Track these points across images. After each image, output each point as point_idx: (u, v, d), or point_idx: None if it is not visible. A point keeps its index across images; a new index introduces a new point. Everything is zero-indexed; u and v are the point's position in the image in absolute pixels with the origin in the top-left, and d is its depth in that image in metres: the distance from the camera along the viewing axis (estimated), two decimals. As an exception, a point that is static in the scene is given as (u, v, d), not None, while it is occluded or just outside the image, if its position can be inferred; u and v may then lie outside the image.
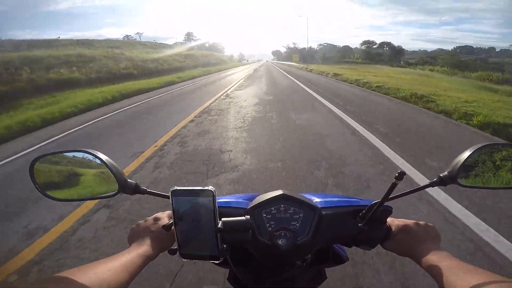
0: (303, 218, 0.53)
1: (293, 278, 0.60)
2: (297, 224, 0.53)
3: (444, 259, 0.42)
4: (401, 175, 0.46)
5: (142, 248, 0.46)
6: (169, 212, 0.55)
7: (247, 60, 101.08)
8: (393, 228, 0.54)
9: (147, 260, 0.45)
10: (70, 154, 0.52)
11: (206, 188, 0.43)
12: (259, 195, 0.58)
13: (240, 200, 0.60)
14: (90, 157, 0.49)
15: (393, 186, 0.48)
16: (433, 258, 0.43)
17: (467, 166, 0.48)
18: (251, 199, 0.58)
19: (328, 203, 0.57)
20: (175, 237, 0.45)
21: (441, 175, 0.49)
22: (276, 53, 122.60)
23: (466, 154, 0.48)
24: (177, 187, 0.44)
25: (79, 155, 0.51)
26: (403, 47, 66.17)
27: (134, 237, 0.50)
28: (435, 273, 0.41)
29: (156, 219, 0.52)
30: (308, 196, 0.58)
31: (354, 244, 0.58)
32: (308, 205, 0.54)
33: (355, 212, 0.56)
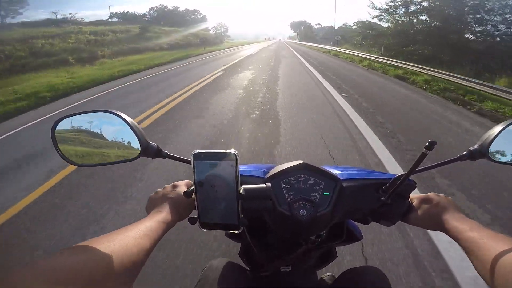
0: (324, 189, 0.55)
1: (305, 254, 0.63)
2: (317, 195, 0.55)
3: (473, 228, 0.44)
4: (432, 144, 0.47)
5: (161, 215, 0.48)
6: (187, 181, 0.59)
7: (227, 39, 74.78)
8: (415, 202, 0.57)
9: (167, 227, 0.47)
10: (93, 115, 0.54)
11: (228, 151, 0.45)
12: (276, 166, 0.61)
13: (257, 169, 0.63)
14: (114, 117, 0.52)
15: (422, 156, 0.49)
16: (462, 227, 0.46)
17: (497, 141, 0.50)
18: (268, 169, 0.62)
19: (350, 175, 0.60)
20: (195, 204, 0.48)
21: (471, 149, 0.52)
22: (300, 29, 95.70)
23: (497, 128, 0.50)
24: (199, 150, 0.46)
25: (102, 115, 0.53)
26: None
27: (152, 205, 0.53)
28: (464, 242, 0.43)
29: (175, 187, 0.56)
30: (328, 167, 0.61)
31: (374, 219, 0.60)
32: (329, 176, 0.57)
33: (377, 185, 0.58)
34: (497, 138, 0.49)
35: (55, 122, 0.52)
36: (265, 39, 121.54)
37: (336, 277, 0.76)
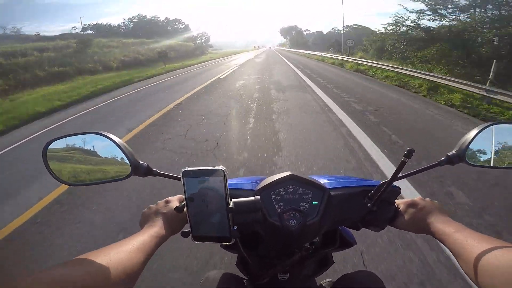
0: (312, 199, 0.57)
1: (301, 262, 0.64)
2: (306, 205, 0.57)
3: (457, 229, 0.46)
4: (410, 152, 0.50)
5: (154, 230, 0.50)
6: (179, 196, 0.60)
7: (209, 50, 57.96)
8: (401, 207, 0.60)
9: (160, 241, 0.49)
10: (82, 137, 0.56)
11: (217, 168, 0.47)
12: (265, 178, 0.64)
13: (247, 182, 0.65)
14: (103, 138, 0.54)
15: (402, 164, 0.52)
16: (448, 229, 0.48)
17: (473, 145, 0.53)
18: (258, 181, 0.64)
19: (337, 184, 0.62)
20: (187, 219, 0.49)
21: (449, 154, 0.55)
22: (292, 34, 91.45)
23: (472, 133, 0.54)
24: (188, 168, 0.48)
25: (92, 136, 0.55)
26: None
27: (146, 220, 0.55)
28: (450, 243, 0.45)
29: (167, 202, 0.58)
30: (316, 177, 0.63)
31: (363, 226, 0.62)
32: (316, 185, 0.59)
33: (363, 192, 0.61)
34: (472, 142, 0.52)
35: (46, 144, 0.54)
36: (254, 47, 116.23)
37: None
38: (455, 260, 0.44)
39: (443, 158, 0.54)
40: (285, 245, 0.59)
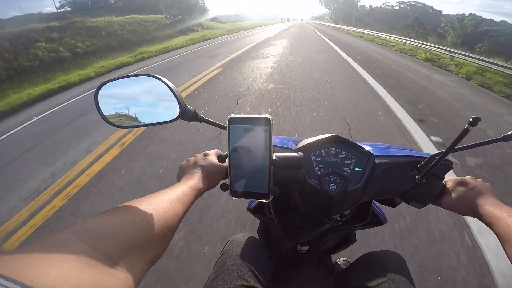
0: (355, 165, 0.56)
1: (324, 235, 0.64)
2: (349, 170, 0.56)
3: (509, 214, 0.45)
4: (476, 121, 0.46)
5: (193, 182, 0.51)
6: (216, 150, 0.62)
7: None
8: (449, 184, 0.57)
9: (198, 193, 0.50)
10: (135, 79, 0.58)
11: (263, 116, 0.47)
12: (302, 139, 0.63)
13: (286, 141, 0.65)
14: (154, 81, 0.56)
15: (464, 133, 0.47)
16: (499, 212, 0.46)
17: None
18: (295, 142, 0.63)
19: (383, 151, 0.60)
20: (228, 171, 0.50)
21: None
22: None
23: None
24: (234, 115, 0.48)
25: (144, 79, 0.57)
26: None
27: (183, 173, 0.56)
28: (500, 227, 0.43)
29: (206, 155, 0.59)
30: (361, 144, 0.61)
31: (404, 200, 0.60)
32: (362, 150, 0.58)
33: (412, 163, 0.58)
34: None
35: (99, 86, 0.57)
36: (282, 19, 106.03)
37: (351, 262, 0.78)
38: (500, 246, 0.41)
39: (509, 133, 0.51)
40: (318, 212, 0.59)
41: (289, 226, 0.67)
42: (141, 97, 0.59)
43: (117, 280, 0.27)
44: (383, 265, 0.64)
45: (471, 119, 0.46)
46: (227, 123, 0.48)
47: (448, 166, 0.56)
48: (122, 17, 21.31)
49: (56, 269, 0.23)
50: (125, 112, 0.59)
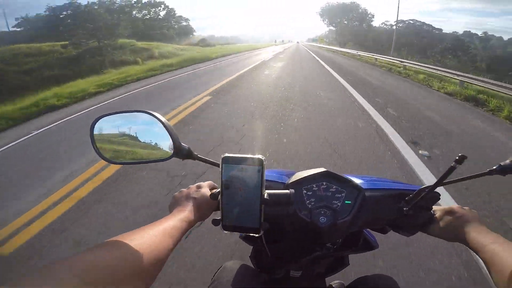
0: (345, 198, 0.59)
1: (317, 261, 0.67)
2: (339, 203, 0.59)
3: (496, 241, 0.46)
4: (462, 159, 0.49)
5: (184, 214, 0.52)
6: (210, 182, 0.64)
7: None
8: (437, 214, 0.60)
9: (188, 226, 0.51)
10: (129, 114, 0.59)
11: (256, 156, 0.49)
12: (295, 172, 0.66)
13: (278, 174, 0.68)
14: (150, 118, 0.57)
15: (451, 170, 0.51)
16: (484, 239, 0.48)
17: None
18: (289, 175, 0.67)
19: (373, 185, 0.64)
20: (220, 206, 0.52)
21: (502, 164, 0.55)
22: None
23: None
24: (228, 154, 0.51)
25: (138, 115, 0.59)
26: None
27: (176, 204, 0.58)
28: (485, 253, 0.45)
29: (199, 187, 0.61)
30: (351, 177, 0.65)
31: (393, 229, 0.64)
32: (351, 184, 0.61)
33: (401, 196, 0.61)
34: None
35: (94, 120, 0.58)
36: (276, 42, 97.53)
37: (346, 285, 0.79)
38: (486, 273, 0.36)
39: (494, 167, 0.54)
40: (308, 243, 0.61)
41: (281, 254, 0.68)
42: (136, 134, 0.60)
43: None
44: None
45: (457, 157, 0.49)
46: (221, 162, 0.50)
47: (436, 198, 0.59)
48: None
49: None
50: (119, 147, 0.61)
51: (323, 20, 57.57)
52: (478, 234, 0.49)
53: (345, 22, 51.94)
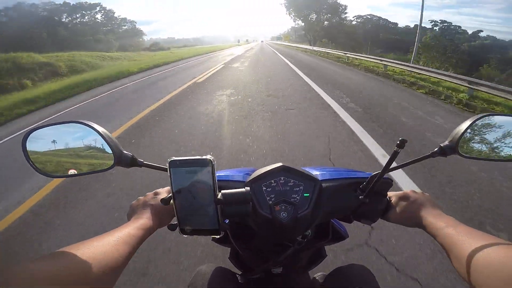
0: (303, 191, 0.59)
1: (294, 255, 0.67)
2: (298, 197, 0.59)
3: (449, 224, 0.48)
4: (403, 143, 0.52)
5: (141, 222, 0.52)
6: (168, 188, 0.62)
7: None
8: (393, 200, 0.62)
9: (146, 233, 0.51)
10: (65, 126, 0.56)
11: (204, 157, 0.48)
12: (256, 169, 0.65)
13: (238, 173, 0.67)
14: (86, 128, 0.54)
15: (394, 154, 0.54)
16: (440, 223, 0.49)
17: (466, 136, 0.55)
18: (249, 172, 0.66)
19: (328, 175, 0.64)
20: (174, 211, 0.51)
21: (442, 145, 0.58)
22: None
23: (465, 124, 0.56)
24: (175, 157, 0.49)
25: (74, 126, 0.55)
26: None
27: (133, 212, 0.57)
28: (442, 238, 0.47)
29: (156, 194, 0.61)
30: (308, 169, 0.65)
31: (354, 219, 0.65)
32: (308, 177, 0.61)
33: (356, 184, 0.63)
34: (465, 133, 0.54)
35: (26, 134, 0.54)
36: (239, 42, 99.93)
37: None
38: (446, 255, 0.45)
39: (435, 149, 0.57)
40: (276, 238, 0.61)
41: (256, 252, 0.68)
42: (74, 145, 0.57)
43: None
44: (354, 279, 0.68)
45: (398, 142, 0.52)
46: (168, 166, 0.49)
47: (389, 184, 0.62)
48: None
49: None
50: (56, 160, 0.57)
51: (289, 14, 49.11)
52: (433, 218, 0.51)
53: (314, 15, 45.86)
